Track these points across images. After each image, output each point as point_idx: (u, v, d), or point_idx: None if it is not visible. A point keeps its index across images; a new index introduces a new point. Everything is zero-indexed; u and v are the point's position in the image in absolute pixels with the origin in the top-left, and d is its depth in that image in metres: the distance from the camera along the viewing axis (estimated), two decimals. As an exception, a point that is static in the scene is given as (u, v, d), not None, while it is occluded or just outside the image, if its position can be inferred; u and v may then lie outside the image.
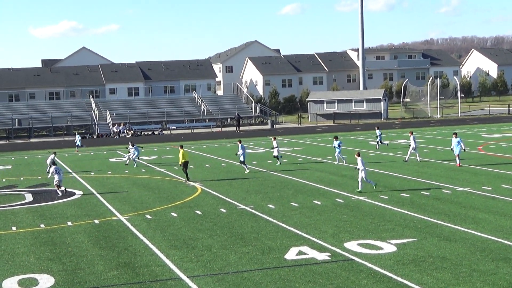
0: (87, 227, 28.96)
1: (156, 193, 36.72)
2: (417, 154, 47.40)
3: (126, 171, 47.63)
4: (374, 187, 34.66)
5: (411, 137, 47.13)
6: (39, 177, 46.93)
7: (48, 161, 45.37)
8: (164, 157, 57.48)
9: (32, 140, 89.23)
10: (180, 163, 41.43)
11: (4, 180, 46.65)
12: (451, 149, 44.46)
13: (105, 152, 65.45)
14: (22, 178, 46.95)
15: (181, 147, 42.71)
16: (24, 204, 35.79)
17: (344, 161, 47.03)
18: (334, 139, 48.06)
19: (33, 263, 22.97)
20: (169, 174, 45.56)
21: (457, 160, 43.12)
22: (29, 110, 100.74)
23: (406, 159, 47.03)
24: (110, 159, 58.00)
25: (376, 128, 58.90)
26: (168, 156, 58.66)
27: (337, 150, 47.33)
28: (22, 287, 20.18)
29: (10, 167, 55.34)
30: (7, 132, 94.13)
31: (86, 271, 21.62)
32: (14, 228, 29.27)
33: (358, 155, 34.59)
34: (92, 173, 47.78)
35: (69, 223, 29.86)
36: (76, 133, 76.38)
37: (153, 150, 65.75)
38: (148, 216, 30.62)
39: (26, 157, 63.80)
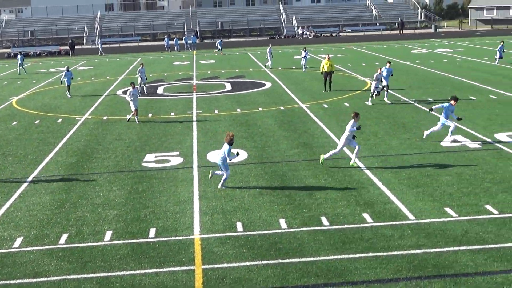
0: (274, 112, 29.53)
1: (332, 86, 36.49)
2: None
3: (308, 67, 47.67)
4: None
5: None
6: (237, 70, 48.02)
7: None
8: (340, 56, 56.92)
9: (232, 39, 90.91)
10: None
11: (209, 72, 48.21)
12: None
13: (290, 51, 65.68)
14: (223, 71, 48.27)
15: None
16: (224, 92, 36.92)
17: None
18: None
19: (231, 140, 23.82)
20: (343, 70, 45.18)
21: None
22: (230, 14, 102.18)
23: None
24: (294, 56, 58.19)
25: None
26: (343, 54, 58.02)
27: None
28: (222, 158, 21.06)
29: (214, 61, 57.01)
30: (212, 32, 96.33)
31: (273, 149, 22.21)
32: (216, 111, 30.37)
33: None
34: (279, 68, 48.26)
35: (260, 109, 30.55)
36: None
37: (331, 49, 65.22)
38: (325, 105, 30.71)
39: (226, 54, 65.34)
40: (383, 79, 30.56)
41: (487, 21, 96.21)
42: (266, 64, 49.55)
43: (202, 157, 21.30)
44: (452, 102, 21.76)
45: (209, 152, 22.00)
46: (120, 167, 20.46)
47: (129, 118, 28.44)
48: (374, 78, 30.28)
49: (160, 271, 12.46)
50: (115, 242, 14.02)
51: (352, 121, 19.12)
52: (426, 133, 22.41)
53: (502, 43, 45.97)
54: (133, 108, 27.90)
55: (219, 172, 17.86)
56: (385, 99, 30.97)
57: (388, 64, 31.18)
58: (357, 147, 19.23)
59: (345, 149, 21.47)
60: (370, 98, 30.59)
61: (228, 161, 17.61)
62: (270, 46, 50.85)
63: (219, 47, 65.39)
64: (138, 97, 27.93)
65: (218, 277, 12.10)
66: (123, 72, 50.30)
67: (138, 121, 28.00)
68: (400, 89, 34.52)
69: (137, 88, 28.41)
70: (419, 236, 13.66)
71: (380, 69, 30.71)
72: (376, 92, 30.42)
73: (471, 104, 29.26)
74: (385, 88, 30.79)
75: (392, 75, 31.56)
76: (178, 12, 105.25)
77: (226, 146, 17.36)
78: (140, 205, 16.53)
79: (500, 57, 44.99)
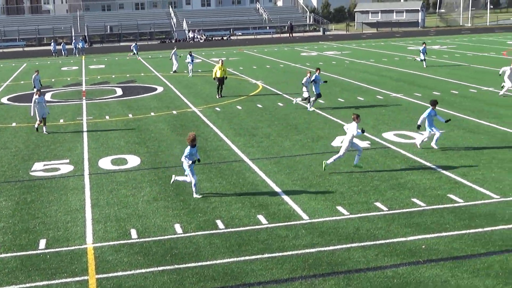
0: (167, 117, 29.35)
1: (224, 90, 36.61)
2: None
3: (199, 70, 47.63)
4: None
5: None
6: (127, 75, 47.36)
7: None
8: (231, 59, 57.29)
9: (121, 44, 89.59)
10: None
11: (98, 77, 47.30)
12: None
13: (181, 55, 65.42)
14: (113, 76, 47.48)
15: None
16: (115, 97, 36.33)
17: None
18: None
19: (123, 146, 23.50)
20: (235, 73, 45.49)
21: None
22: (119, 18, 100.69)
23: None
24: (185, 60, 57.98)
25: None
26: (234, 58, 58.43)
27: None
28: (114, 165, 20.75)
29: (103, 66, 55.98)
30: (101, 37, 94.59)
31: (166, 153, 22.05)
32: (107, 117, 29.84)
33: None
34: (171, 72, 48.00)
35: (152, 113, 30.29)
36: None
37: (222, 53, 65.53)
38: (217, 109, 30.82)
39: (116, 58, 64.34)
40: (313, 87, 29.42)
41: (373, 24, 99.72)
42: (174, 70, 48.41)
43: (93, 164, 20.85)
44: (432, 107, 21.20)
45: (101, 158, 21.57)
46: (6, 177, 19.70)
47: (37, 127, 26.75)
48: (304, 82, 29.18)
49: (52, 283, 12.09)
50: (2, 255, 13.48)
51: (354, 123, 18.49)
52: (418, 143, 21.46)
53: (424, 45, 45.11)
54: (38, 117, 26.44)
55: (181, 178, 17.21)
56: (310, 106, 29.62)
57: (317, 71, 30.26)
58: (359, 150, 18.90)
59: (239, 152, 21.65)
60: (309, 104, 29.49)
61: (186, 164, 16.60)
62: (175, 49, 50.24)
63: (135, 51, 63.79)
64: (44, 105, 26.38)
65: (113, 286, 11.87)
66: (7, 79, 48.46)
67: (47, 132, 26.43)
68: (293, 93, 35.13)
69: (43, 96, 27.01)
70: (313, 235, 13.95)
71: (310, 72, 29.85)
72: (306, 97, 29.38)
73: (359, 105, 30.20)
74: (312, 98, 29.56)
75: (321, 82, 30.12)
76: (65, 16, 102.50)
77: (187, 149, 16.57)
78: (29, 215, 15.97)
79: (423, 59, 44.45)
